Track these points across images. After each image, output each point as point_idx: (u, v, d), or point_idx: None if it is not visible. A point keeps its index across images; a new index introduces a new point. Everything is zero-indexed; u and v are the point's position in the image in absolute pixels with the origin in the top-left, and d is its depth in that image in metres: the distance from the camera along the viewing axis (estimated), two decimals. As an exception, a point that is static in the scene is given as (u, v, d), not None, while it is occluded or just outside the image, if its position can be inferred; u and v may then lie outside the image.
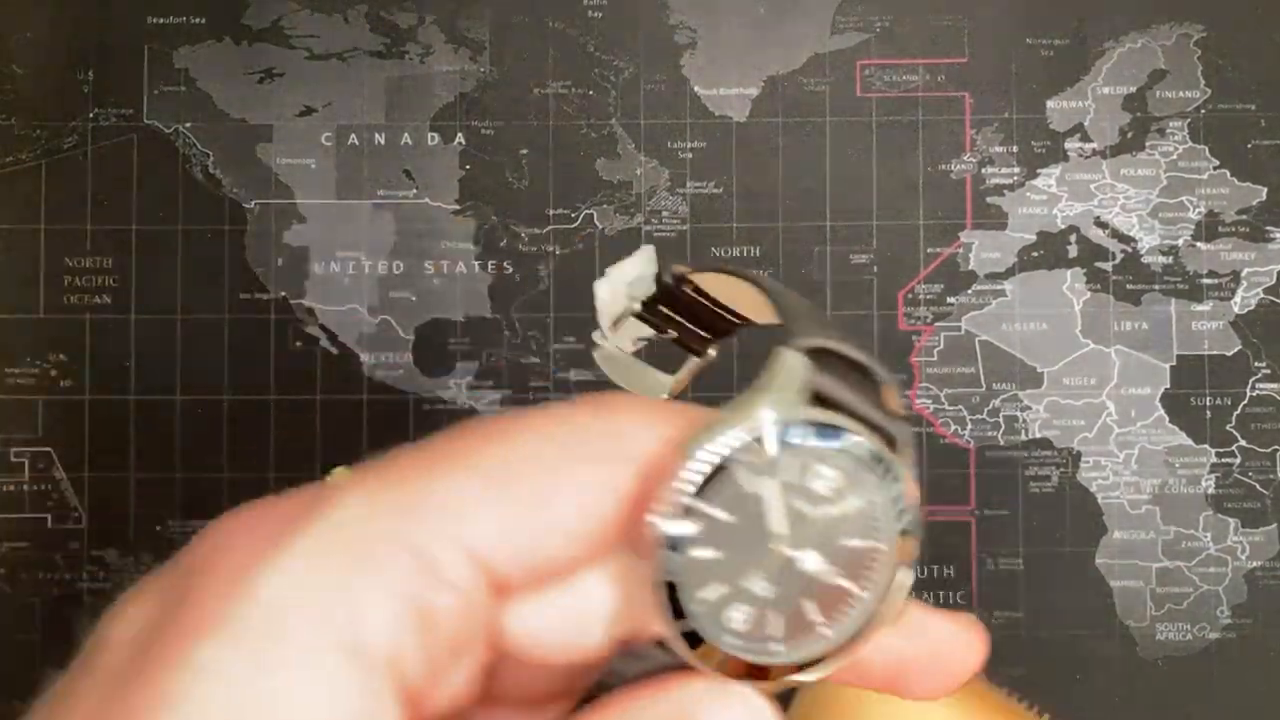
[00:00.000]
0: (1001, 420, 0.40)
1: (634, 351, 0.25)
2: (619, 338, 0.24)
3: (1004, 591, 0.40)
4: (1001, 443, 0.40)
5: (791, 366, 0.20)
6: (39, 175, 0.41)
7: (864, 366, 0.21)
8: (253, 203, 0.41)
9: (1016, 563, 0.40)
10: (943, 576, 0.40)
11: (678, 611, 0.19)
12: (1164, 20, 0.41)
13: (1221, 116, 0.41)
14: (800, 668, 0.20)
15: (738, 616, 0.19)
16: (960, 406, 0.40)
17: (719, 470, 0.19)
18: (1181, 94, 0.41)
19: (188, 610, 0.19)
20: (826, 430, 0.20)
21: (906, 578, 0.20)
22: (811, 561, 0.20)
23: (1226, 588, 0.40)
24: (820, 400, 0.20)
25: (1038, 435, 0.40)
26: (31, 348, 0.40)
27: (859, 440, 0.20)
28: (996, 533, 0.40)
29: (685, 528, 0.19)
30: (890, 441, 0.21)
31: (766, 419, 0.19)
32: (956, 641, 0.22)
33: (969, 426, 0.40)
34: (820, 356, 0.20)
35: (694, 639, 0.19)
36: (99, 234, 0.41)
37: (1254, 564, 0.40)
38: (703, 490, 0.19)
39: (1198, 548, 0.40)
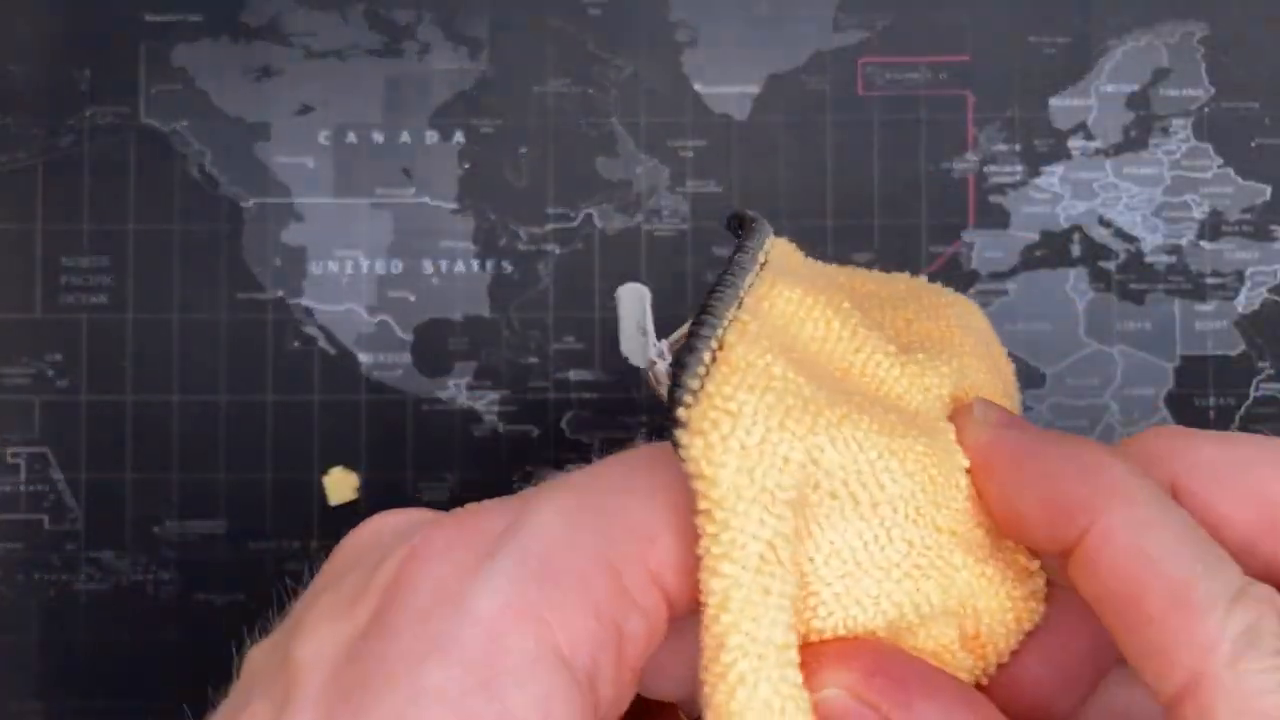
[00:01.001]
0: (1004, 421, 0.40)
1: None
2: (667, 345, 0.24)
3: (1006, 593, 0.40)
4: (1004, 443, 0.40)
5: None
6: (35, 174, 0.40)
7: None
8: (250, 202, 0.41)
9: (1019, 564, 0.40)
10: (945, 578, 0.40)
11: None
12: (1167, 18, 0.41)
13: (1225, 115, 0.40)
14: None
15: None
16: (962, 407, 0.40)
17: None
18: (1185, 92, 0.41)
19: (401, 630, 0.18)
20: None
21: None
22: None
23: (1230, 589, 0.40)
24: None
25: (1040, 436, 0.40)
26: (28, 347, 0.40)
27: None
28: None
29: None
30: None
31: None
32: None
33: (971, 427, 0.40)
34: None
35: None
36: (95, 233, 0.40)
37: (1258, 565, 0.40)
38: None
39: (1201, 549, 0.40)
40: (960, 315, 0.26)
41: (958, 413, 0.22)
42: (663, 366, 0.23)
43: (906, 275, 0.28)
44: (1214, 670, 0.16)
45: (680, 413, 0.20)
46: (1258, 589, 0.17)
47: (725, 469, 0.19)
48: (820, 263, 0.27)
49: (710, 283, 0.24)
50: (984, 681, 0.22)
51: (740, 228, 0.25)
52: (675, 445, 0.20)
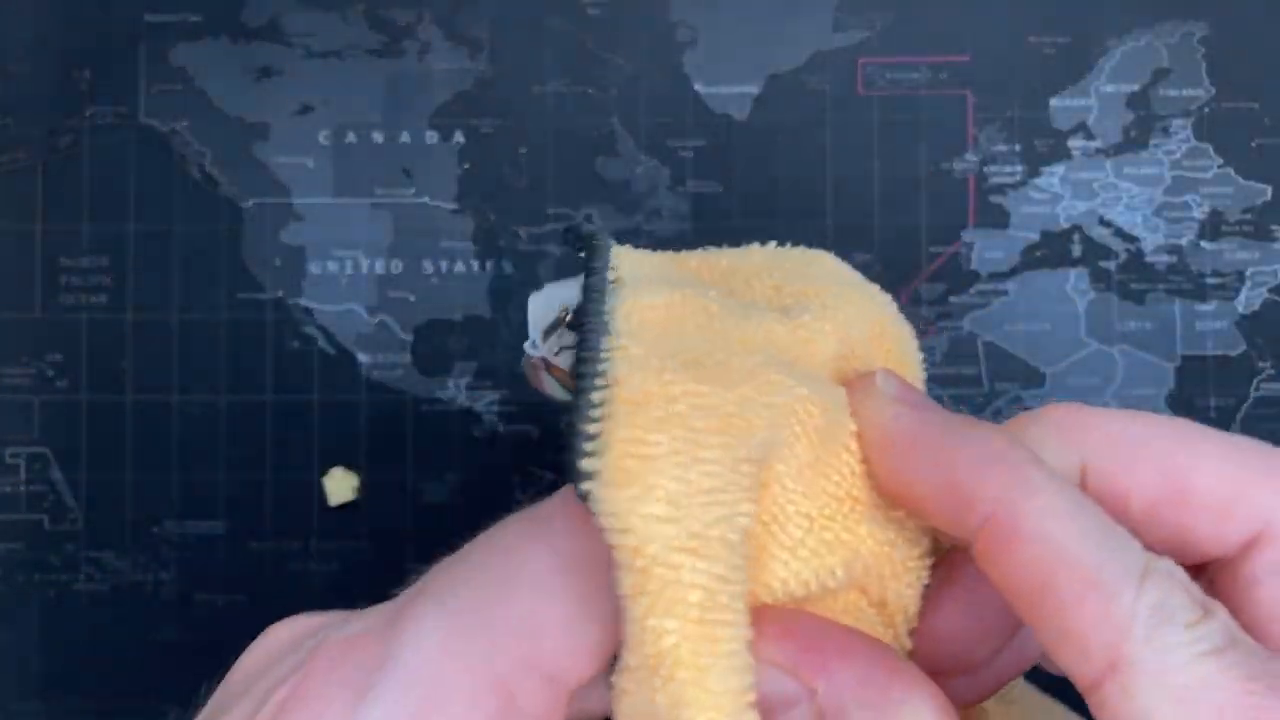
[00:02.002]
0: (1004, 421, 0.40)
1: (559, 357, 0.25)
2: (547, 346, 0.24)
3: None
4: (1004, 443, 0.40)
5: None
6: (35, 174, 0.40)
7: None
8: (249, 202, 0.41)
9: (1019, 564, 0.40)
10: (945, 578, 0.40)
11: None
12: (1168, 18, 0.41)
13: (1226, 115, 0.40)
14: None
15: None
16: (963, 407, 0.40)
17: None
18: (1185, 92, 0.41)
19: None
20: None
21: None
22: None
23: (1231, 589, 0.40)
24: None
25: (1041, 436, 0.40)
26: (28, 348, 0.40)
27: None
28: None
29: None
30: None
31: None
32: None
33: (971, 427, 0.40)
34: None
35: None
36: (95, 233, 0.40)
37: (1258, 566, 0.40)
38: None
39: (1202, 549, 0.40)
40: (827, 270, 0.25)
41: (856, 382, 0.22)
42: (539, 355, 0.22)
43: (758, 245, 0.26)
44: (1131, 649, 0.17)
45: (585, 464, 0.18)
46: (1161, 564, 0.18)
47: (650, 521, 0.18)
48: (667, 254, 0.25)
49: (565, 317, 0.23)
50: (902, 642, 0.22)
51: (581, 245, 0.23)
52: (583, 499, 0.18)
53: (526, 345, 0.23)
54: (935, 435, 0.20)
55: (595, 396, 0.19)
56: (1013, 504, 0.18)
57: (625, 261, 0.23)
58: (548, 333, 0.23)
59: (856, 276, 0.26)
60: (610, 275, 0.22)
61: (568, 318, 0.23)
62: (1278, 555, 0.19)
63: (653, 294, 0.22)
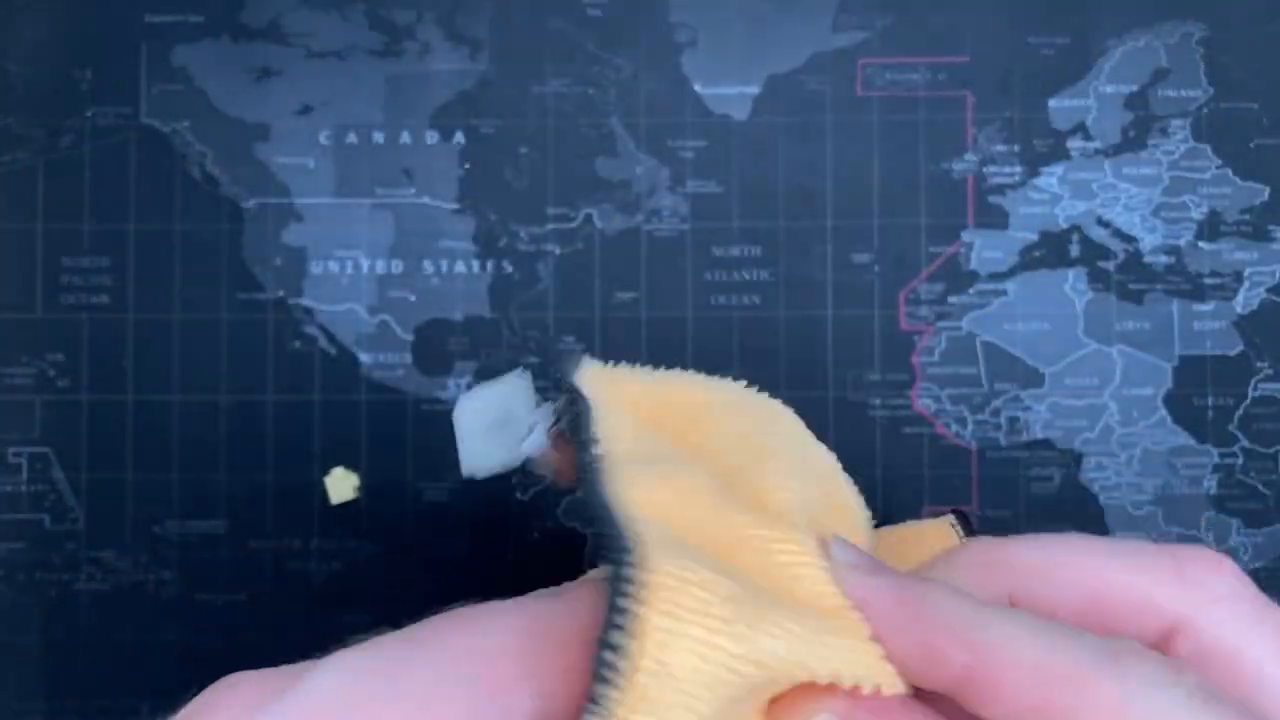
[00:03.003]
0: (1003, 421, 0.40)
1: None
2: (537, 441, 0.24)
3: (1005, 592, 0.40)
4: (1003, 443, 0.40)
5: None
6: (36, 174, 0.40)
7: None
8: (250, 202, 0.41)
9: (1018, 564, 0.40)
10: (944, 578, 0.40)
11: None
12: (1166, 19, 0.41)
13: (1224, 115, 0.41)
14: None
15: None
16: (962, 407, 0.40)
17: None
18: (1184, 93, 0.41)
19: None
20: None
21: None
22: None
23: (1229, 589, 0.40)
24: None
25: (1040, 436, 0.40)
26: (29, 348, 0.40)
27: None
28: (999, 534, 0.40)
29: None
30: None
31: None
32: None
33: (970, 427, 0.40)
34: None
35: None
36: (96, 233, 0.40)
37: (1257, 564, 0.40)
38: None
39: (1200, 548, 0.40)
40: (788, 430, 0.27)
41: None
42: (545, 446, 0.23)
43: (717, 382, 0.27)
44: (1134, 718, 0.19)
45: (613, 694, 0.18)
46: (1123, 643, 0.20)
47: None
48: (640, 382, 0.26)
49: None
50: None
51: (560, 382, 0.24)
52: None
53: (468, 460, 0.23)
54: (890, 602, 0.21)
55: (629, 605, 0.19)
56: (985, 652, 0.20)
57: (601, 390, 0.24)
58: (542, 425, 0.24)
59: (810, 436, 0.27)
60: (597, 434, 0.23)
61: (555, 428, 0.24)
62: (1194, 644, 0.21)
63: (650, 485, 0.22)
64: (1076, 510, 0.40)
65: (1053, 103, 0.41)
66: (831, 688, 0.20)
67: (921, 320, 0.40)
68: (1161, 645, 0.22)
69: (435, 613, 0.21)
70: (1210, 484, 0.40)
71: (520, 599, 0.22)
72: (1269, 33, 0.41)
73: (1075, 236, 0.40)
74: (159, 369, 0.40)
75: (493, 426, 0.24)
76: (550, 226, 0.41)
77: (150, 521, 0.40)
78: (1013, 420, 0.40)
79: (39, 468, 0.40)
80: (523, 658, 0.20)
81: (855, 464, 0.40)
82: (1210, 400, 0.40)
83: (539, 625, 0.21)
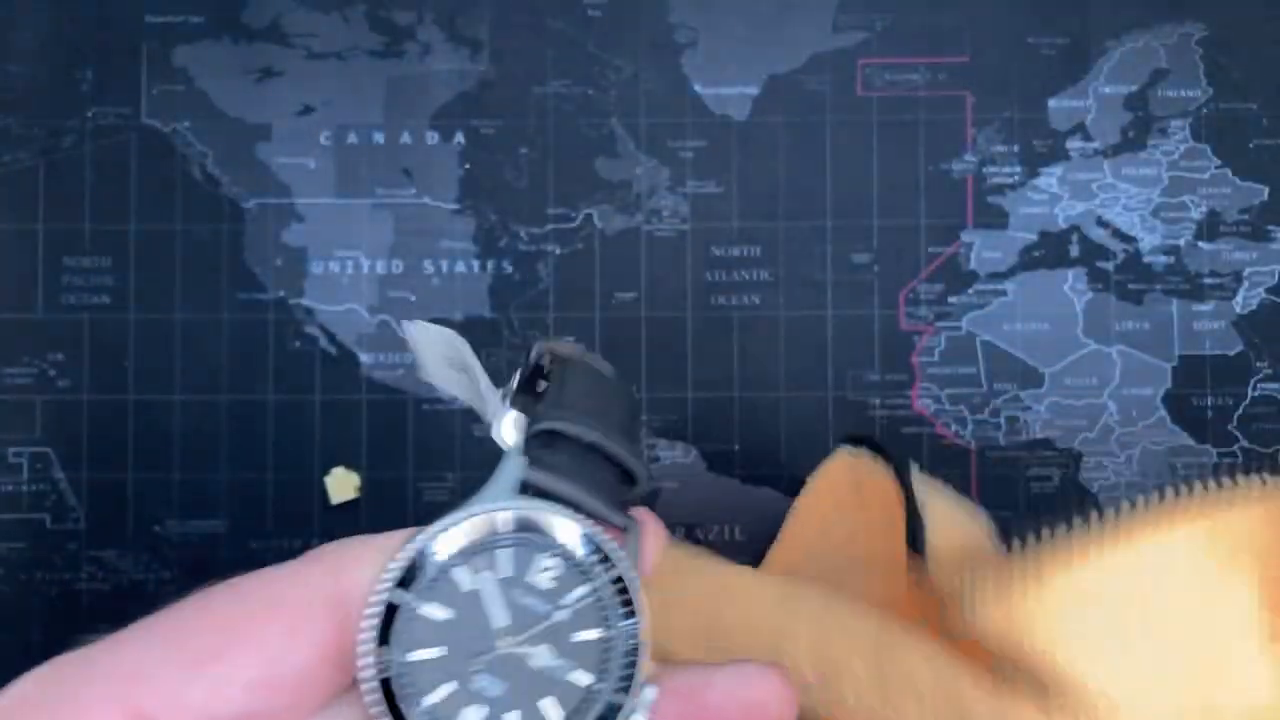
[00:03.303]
0: (1003, 420, 0.40)
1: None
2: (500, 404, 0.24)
3: (1005, 592, 0.40)
4: (1003, 443, 0.40)
5: (505, 465, 0.21)
6: (37, 175, 0.41)
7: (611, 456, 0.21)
8: (251, 202, 0.41)
9: (1017, 563, 0.40)
10: (944, 577, 0.40)
11: None
12: (1165, 20, 0.41)
13: (1223, 116, 0.41)
14: None
15: (472, 717, 0.19)
16: (961, 407, 0.40)
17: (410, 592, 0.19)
18: (1183, 93, 0.41)
19: None
20: (532, 526, 0.20)
21: (647, 664, 0.20)
22: (541, 657, 0.20)
23: (1228, 588, 0.40)
24: (540, 492, 0.20)
25: (1039, 435, 0.40)
26: (29, 347, 0.40)
27: (570, 531, 0.20)
28: (1000, 533, 0.40)
29: (392, 649, 0.19)
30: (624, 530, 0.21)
31: (423, 537, 0.20)
32: (750, 708, 0.21)
33: (970, 427, 0.40)
34: (555, 443, 0.21)
35: None
36: (97, 233, 0.40)
37: (1256, 564, 0.40)
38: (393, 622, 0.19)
39: (1199, 548, 0.40)
40: None
41: None
42: (509, 418, 0.23)
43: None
44: None
45: None
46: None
47: None
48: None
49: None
50: None
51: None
52: None
53: (426, 372, 0.24)
54: None
55: None
56: None
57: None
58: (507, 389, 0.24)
59: None
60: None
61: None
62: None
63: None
64: (1075, 510, 0.40)
65: (1052, 103, 0.41)
66: None
67: (921, 320, 0.40)
68: None
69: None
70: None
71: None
72: (1268, 33, 0.41)
73: (1075, 237, 0.40)
74: (159, 369, 0.40)
75: (448, 362, 0.24)
76: (550, 226, 0.41)
77: (151, 521, 0.40)
78: (1012, 420, 0.40)
79: (39, 467, 0.40)
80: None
81: (855, 464, 0.40)
82: (1209, 400, 0.40)
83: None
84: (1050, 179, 0.41)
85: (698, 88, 0.41)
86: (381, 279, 0.41)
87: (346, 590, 0.20)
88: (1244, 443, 0.40)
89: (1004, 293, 0.40)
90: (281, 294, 0.41)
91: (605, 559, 0.20)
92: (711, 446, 0.40)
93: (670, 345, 0.40)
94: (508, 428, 0.22)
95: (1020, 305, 0.40)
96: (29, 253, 0.41)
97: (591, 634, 0.20)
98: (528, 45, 0.41)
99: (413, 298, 0.41)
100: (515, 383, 0.24)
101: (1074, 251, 0.40)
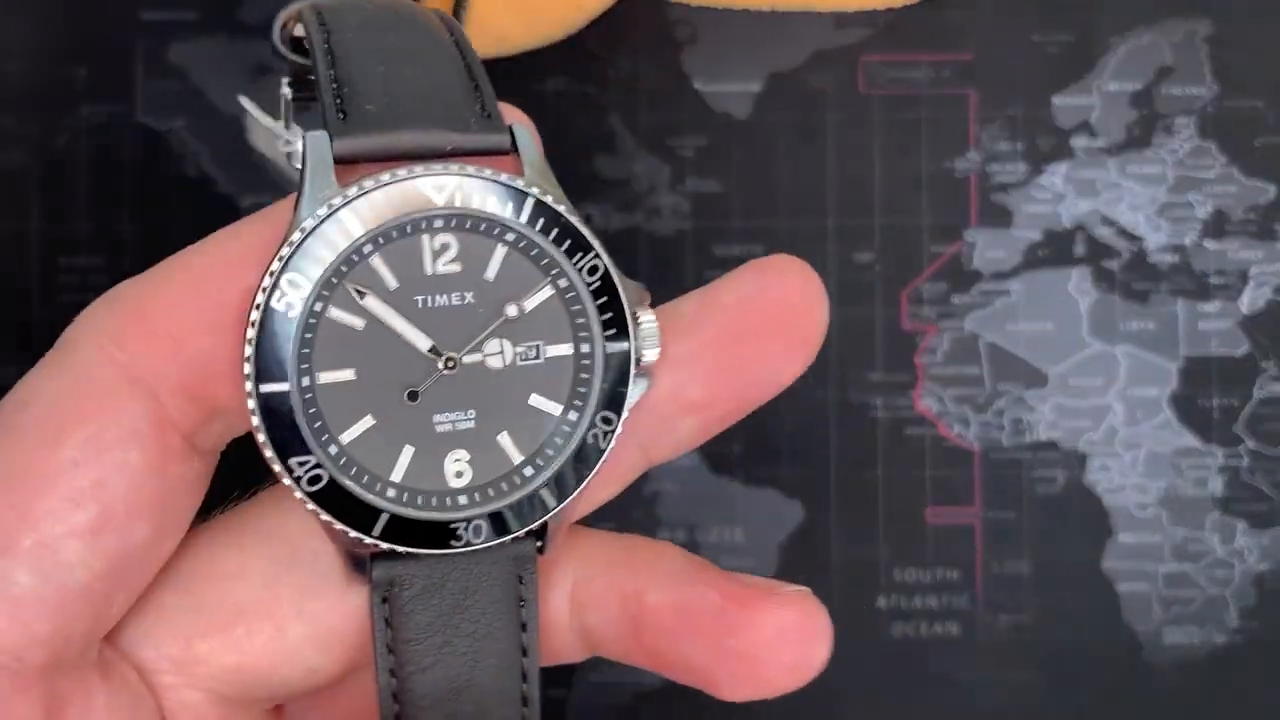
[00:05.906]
0: (1006, 421, 0.40)
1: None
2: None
3: (1010, 595, 0.39)
4: (1006, 444, 0.40)
5: (312, 147, 0.17)
6: (31, 173, 0.40)
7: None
8: (248, 200, 0.40)
9: (1022, 566, 0.39)
10: (948, 580, 0.39)
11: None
12: (1171, 16, 0.40)
13: (1230, 113, 0.40)
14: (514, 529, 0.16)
15: (405, 462, 0.16)
16: (965, 407, 0.40)
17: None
18: (1189, 91, 0.40)
19: None
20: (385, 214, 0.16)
21: (637, 385, 0.17)
22: (497, 355, 0.16)
23: (1234, 591, 0.39)
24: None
25: (1043, 436, 0.40)
26: (25, 349, 0.40)
27: (444, 187, 0.16)
28: (1002, 535, 0.40)
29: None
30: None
31: (299, 220, 0.16)
32: (782, 635, 0.19)
33: (973, 427, 0.40)
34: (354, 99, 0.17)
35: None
36: (92, 233, 0.40)
37: (1263, 566, 0.39)
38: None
39: (1205, 550, 0.39)
40: None
41: None
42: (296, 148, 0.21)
43: None
44: None
45: None
46: None
47: None
48: None
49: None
50: None
51: None
52: None
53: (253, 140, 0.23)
54: None
55: None
56: None
57: None
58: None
59: None
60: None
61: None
62: None
63: None
64: (1081, 511, 0.40)
65: (1056, 100, 0.40)
66: None
67: (924, 320, 0.40)
68: None
69: None
70: (1216, 485, 0.40)
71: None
72: (1275, 30, 0.40)
73: (1079, 235, 0.40)
74: (155, 369, 0.40)
75: (268, 130, 0.23)
76: (549, 225, 0.40)
77: (146, 523, 0.40)
78: (1016, 421, 0.40)
79: (34, 469, 0.40)
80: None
81: (857, 466, 0.40)
82: (1216, 401, 0.40)
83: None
84: (1055, 177, 0.40)
85: (698, 85, 0.41)
86: (379, 278, 0.40)
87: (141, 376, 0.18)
88: (1251, 444, 0.40)
89: (1008, 292, 0.40)
90: (278, 294, 0.40)
91: (517, 195, 0.17)
92: (712, 448, 0.39)
93: (670, 345, 0.40)
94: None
95: (1024, 305, 0.40)
96: (23, 252, 0.40)
97: (542, 295, 0.17)
98: (526, 42, 0.41)
99: (410, 297, 0.40)
100: (285, 89, 0.21)
101: (1079, 250, 0.40)
